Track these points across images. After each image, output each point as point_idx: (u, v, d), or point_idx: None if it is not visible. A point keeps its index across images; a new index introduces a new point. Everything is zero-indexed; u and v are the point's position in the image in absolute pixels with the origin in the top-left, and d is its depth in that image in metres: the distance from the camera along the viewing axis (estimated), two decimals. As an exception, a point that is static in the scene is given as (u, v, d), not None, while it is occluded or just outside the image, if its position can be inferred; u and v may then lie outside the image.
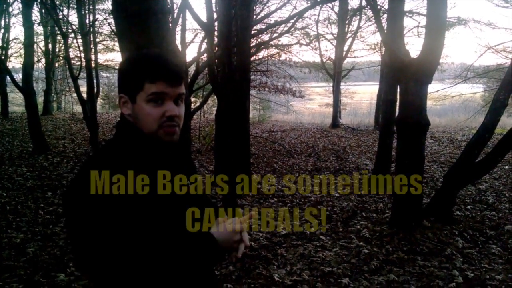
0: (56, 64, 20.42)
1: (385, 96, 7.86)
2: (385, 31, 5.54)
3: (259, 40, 13.73)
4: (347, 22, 17.40)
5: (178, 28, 9.98)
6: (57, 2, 12.25)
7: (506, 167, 8.53)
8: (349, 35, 17.96)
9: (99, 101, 23.18)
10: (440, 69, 16.88)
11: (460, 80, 11.74)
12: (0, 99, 16.81)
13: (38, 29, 17.67)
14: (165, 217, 1.09)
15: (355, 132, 15.61)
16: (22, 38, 15.66)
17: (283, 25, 12.84)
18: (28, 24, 9.68)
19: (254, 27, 9.99)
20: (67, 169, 7.90)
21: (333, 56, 18.22)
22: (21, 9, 12.27)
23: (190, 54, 30.18)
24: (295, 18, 11.10)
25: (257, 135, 13.81)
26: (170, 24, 8.65)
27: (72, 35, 12.49)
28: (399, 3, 5.57)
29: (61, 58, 19.11)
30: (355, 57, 20.15)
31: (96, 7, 14.09)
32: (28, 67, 9.66)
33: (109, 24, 14.04)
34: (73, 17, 16.70)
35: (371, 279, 3.59)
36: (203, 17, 6.80)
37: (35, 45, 14.76)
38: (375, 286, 3.46)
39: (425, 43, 4.58)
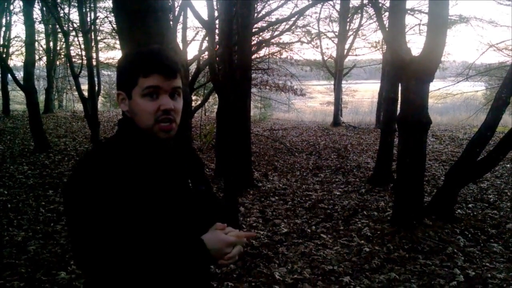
0: (57, 62, 20.42)
1: (387, 94, 7.84)
2: (387, 29, 5.52)
3: (260, 38, 13.70)
4: (348, 20, 17.35)
5: (179, 26, 9.98)
6: (58, 0, 12.26)
7: (508, 165, 8.51)
8: (350, 33, 17.92)
9: (100, 99, 23.16)
10: (442, 67, 16.86)
11: (462, 78, 11.70)
12: (1, 97, 16.83)
13: (39, 27, 17.68)
14: (155, 215, 1.07)
15: (356, 130, 15.59)
16: (23, 36, 15.63)
17: (284, 23, 12.81)
18: (29, 22, 9.68)
19: (255, 25, 9.95)
20: (68, 167, 7.90)
21: (334, 54, 18.19)
22: (22, 7, 12.26)
23: (191, 52, 30.17)
24: (296, 16, 11.05)
25: (258, 134, 13.80)
26: (171, 22, 8.65)
27: (73, 33, 12.51)
28: (400, 1, 5.55)
29: (62, 56, 19.11)
30: (356, 55, 20.14)
31: (97, 5, 14.05)
32: (29, 65, 9.66)
33: (110, 22, 14.00)
34: (74, 15, 16.64)
35: (372, 277, 3.58)
36: (204, 15, 6.80)
37: (36, 43, 14.71)
38: (376, 285, 3.46)
39: (426, 41, 4.56)
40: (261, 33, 12.99)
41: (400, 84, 5.12)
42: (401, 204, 4.82)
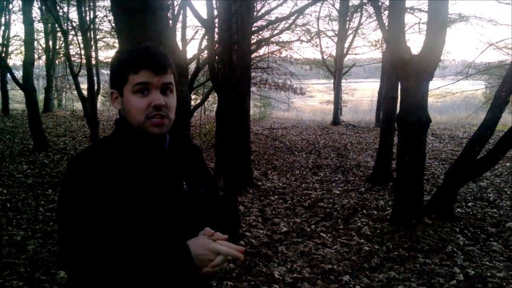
0: (57, 61, 20.41)
1: (386, 93, 7.84)
2: (386, 28, 5.50)
3: (259, 37, 13.69)
4: (348, 18, 17.35)
5: (179, 25, 9.97)
6: (57, -1, 12.23)
7: (508, 164, 8.51)
8: (350, 31, 17.93)
9: (100, 98, 23.13)
10: (441, 66, 16.85)
11: (462, 77, 11.67)
12: (0, 96, 16.81)
13: (39, 26, 17.68)
14: (140, 215, 1.05)
15: (356, 129, 15.59)
16: (22, 35, 15.65)
17: (284, 21, 12.80)
18: (28, 21, 9.67)
19: (255, 24, 9.94)
20: (67, 167, 7.89)
21: (334, 53, 18.20)
22: (21, 6, 12.24)
23: (191, 51, 30.16)
24: (296, 15, 11.04)
25: (258, 132, 13.80)
26: (171, 21, 8.63)
27: (73, 32, 12.47)
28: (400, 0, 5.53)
29: (61, 55, 19.08)
30: (356, 54, 20.15)
31: (96, 4, 14.03)
32: (28, 64, 9.65)
33: (109, 21, 14.02)
34: (73, 14, 16.63)
35: (371, 276, 3.58)
36: (204, 14, 6.78)
37: (35, 42, 14.74)
38: (375, 284, 3.45)
39: (426, 40, 4.55)
40: (260, 32, 12.98)
41: (399, 83, 5.11)
42: (400, 203, 4.82)
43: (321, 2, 14.95)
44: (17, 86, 10.66)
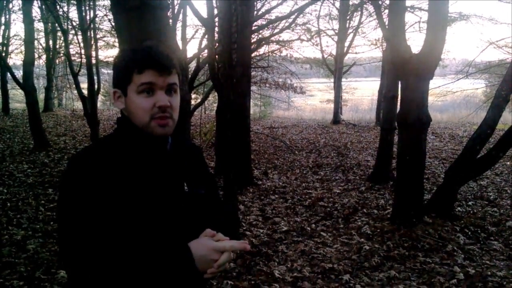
0: (57, 61, 20.39)
1: (387, 92, 7.83)
2: (387, 27, 5.50)
3: (259, 36, 13.66)
4: (348, 17, 17.32)
5: (179, 24, 9.96)
6: (57, -2, 12.21)
7: (508, 163, 8.51)
8: (350, 30, 17.89)
9: (100, 97, 23.15)
10: (442, 65, 16.81)
11: (462, 76, 11.68)
12: (1, 96, 16.81)
13: (39, 25, 17.63)
14: (140, 216, 1.05)
15: (356, 128, 15.58)
16: (22, 34, 15.62)
17: (284, 20, 12.78)
18: (28, 21, 9.67)
19: (255, 23, 9.92)
20: (68, 166, 7.90)
21: (334, 52, 18.16)
22: (21, 5, 12.23)
23: (191, 50, 30.15)
24: (296, 14, 11.01)
25: (258, 131, 13.80)
26: (171, 20, 8.62)
27: (73, 31, 12.45)
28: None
29: (61, 54, 19.06)
30: (356, 52, 20.09)
31: (96, 3, 14.00)
32: (28, 63, 9.66)
33: (109, 20, 13.98)
34: (73, 13, 16.61)
35: (372, 275, 3.58)
36: (204, 13, 6.77)
37: (35, 42, 14.73)
38: (376, 283, 3.45)
39: (426, 39, 4.55)
40: (260, 31, 12.95)
41: (400, 82, 5.11)
42: (401, 202, 4.81)
43: (321, 1, 14.95)
44: (17, 86, 10.66)
